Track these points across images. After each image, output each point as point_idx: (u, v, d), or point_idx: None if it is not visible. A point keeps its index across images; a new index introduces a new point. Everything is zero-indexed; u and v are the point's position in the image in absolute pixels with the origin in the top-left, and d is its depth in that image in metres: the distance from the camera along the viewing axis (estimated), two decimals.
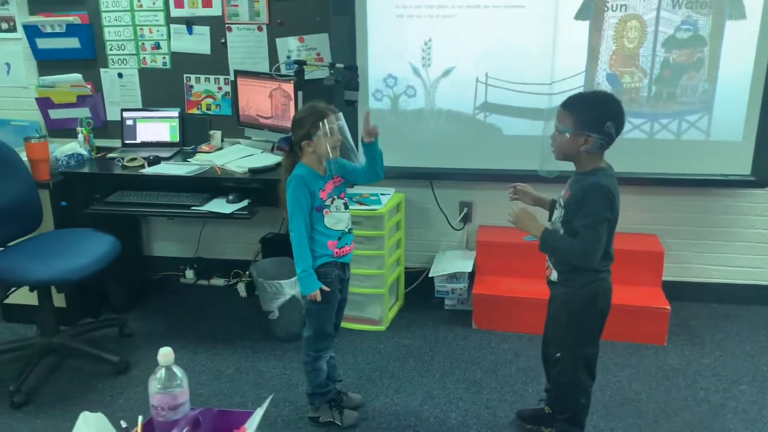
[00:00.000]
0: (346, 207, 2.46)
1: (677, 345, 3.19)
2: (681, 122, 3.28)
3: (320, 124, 2.29)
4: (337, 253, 2.42)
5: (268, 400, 1.59)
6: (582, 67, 3.26)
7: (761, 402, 2.74)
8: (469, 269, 3.42)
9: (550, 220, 2.29)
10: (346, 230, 2.46)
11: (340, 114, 2.38)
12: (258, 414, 1.51)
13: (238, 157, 3.44)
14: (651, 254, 3.36)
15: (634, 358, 3.08)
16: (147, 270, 3.99)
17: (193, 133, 3.74)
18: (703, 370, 2.98)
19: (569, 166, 2.20)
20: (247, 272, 3.84)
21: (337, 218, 2.41)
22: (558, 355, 2.29)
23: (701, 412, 2.67)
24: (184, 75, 3.71)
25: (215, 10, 3.58)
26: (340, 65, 3.26)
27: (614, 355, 3.07)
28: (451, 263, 3.49)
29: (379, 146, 2.43)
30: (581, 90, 3.25)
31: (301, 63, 3.30)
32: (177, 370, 1.36)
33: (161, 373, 1.35)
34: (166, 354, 1.36)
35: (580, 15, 3.20)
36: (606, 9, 3.16)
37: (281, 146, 2.42)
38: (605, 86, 3.26)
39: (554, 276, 2.23)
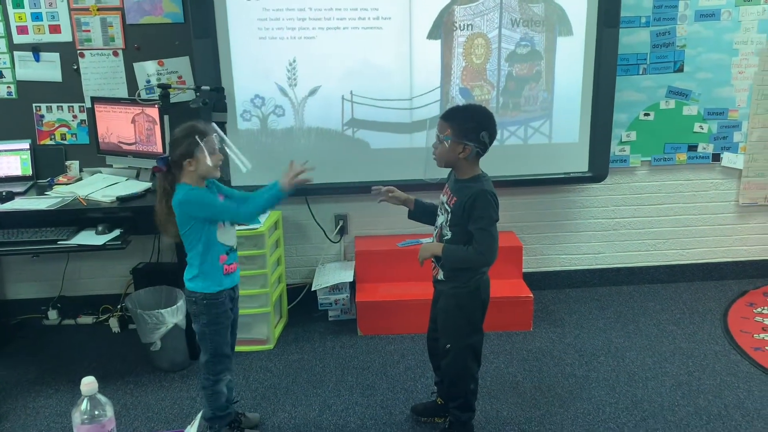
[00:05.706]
0: (232, 224, 2.48)
1: (542, 329, 3.52)
2: (527, 128, 3.64)
3: (202, 141, 2.30)
4: (226, 269, 2.43)
5: (198, 417, 1.59)
6: (437, 82, 3.51)
7: (617, 369, 3.11)
8: (351, 279, 3.53)
9: (432, 224, 2.47)
10: (234, 247, 2.48)
11: (216, 126, 2.42)
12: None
13: (102, 187, 3.30)
14: (512, 249, 3.67)
15: (507, 345, 3.36)
16: (2, 315, 3.67)
17: (48, 164, 3.53)
18: (567, 348, 3.32)
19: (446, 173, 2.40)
20: (119, 306, 3.68)
21: (227, 232, 2.43)
22: (448, 346, 2.45)
23: (570, 386, 2.99)
24: (34, 104, 3.50)
25: (64, 36, 3.42)
26: (206, 87, 3.25)
27: (489, 343, 3.31)
28: (332, 275, 3.59)
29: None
30: (438, 103, 3.53)
31: (165, 86, 3.25)
32: (101, 398, 1.34)
33: (85, 403, 1.32)
34: (88, 383, 1.33)
35: (431, 35, 3.46)
36: (455, 29, 3.44)
37: (158, 167, 2.39)
38: (459, 99, 3.54)
39: (441, 275, 2.41)
